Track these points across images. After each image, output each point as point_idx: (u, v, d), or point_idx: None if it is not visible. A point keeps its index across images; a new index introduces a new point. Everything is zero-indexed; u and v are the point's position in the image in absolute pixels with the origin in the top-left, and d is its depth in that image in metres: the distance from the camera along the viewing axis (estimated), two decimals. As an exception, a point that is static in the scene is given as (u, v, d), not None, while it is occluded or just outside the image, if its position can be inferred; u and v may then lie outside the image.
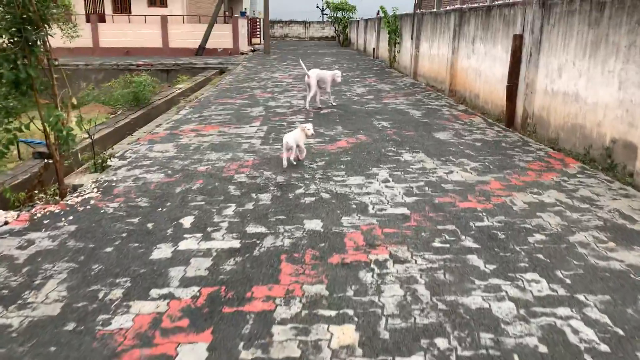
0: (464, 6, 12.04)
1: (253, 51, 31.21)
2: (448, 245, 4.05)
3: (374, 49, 24.45)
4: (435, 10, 14.57)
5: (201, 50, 26.91)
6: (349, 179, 5.79)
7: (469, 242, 4.10)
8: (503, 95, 8.91)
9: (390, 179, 5.78)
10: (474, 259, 3.81)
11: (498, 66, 9.55)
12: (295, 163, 6.37)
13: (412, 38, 16.39)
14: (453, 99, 12.01)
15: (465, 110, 10.53)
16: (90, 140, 6.35)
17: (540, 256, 3.87)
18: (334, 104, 11.04)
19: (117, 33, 27.09)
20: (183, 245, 4.04)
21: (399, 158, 6.73)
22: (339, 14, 40.12)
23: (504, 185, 5.57)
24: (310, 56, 26.92)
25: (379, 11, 24.20)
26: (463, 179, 5.81)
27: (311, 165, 6.35)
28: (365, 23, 28.57)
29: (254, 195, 5.24)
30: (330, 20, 42.36)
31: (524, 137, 8.06)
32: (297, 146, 6.40)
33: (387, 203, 5.01)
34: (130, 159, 6.68)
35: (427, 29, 15.07)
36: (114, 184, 5.65)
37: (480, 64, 10.61)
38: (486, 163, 6.48)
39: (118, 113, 20.87)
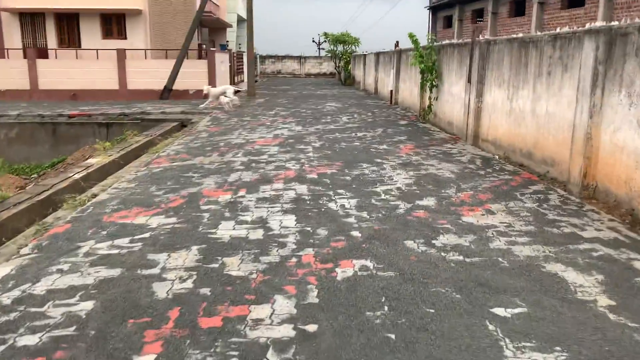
0: (620, 24, 5.96)
1: (237, 92, 25.28)
2: None
3: (391, 91, 18.48)
4: (522, 35, 8.55)
5: (167, 93, 20.91)
6: None
7: None
8: None
9: None
10: None
11: None
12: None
13: (468, 81, 10.34)
14: (594, 205, 5.87)
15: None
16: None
17: None
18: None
19: (61, 72, 21.09)
20: None
21: None
22: (340, 48, 34.48)
23: None
24: (307, 99, 20.92)
25: (397, 43, 18.37)
26: None
27: None
28: (376, 58, 22.72)
29: None
30: (329, 55, 36.74)
31: None
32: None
33: None
34: None
35: (502, 67, 9.03)
36: None
37: None
38: None
39: (30, 187, 14.52)
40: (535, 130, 7.84)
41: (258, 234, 5.08)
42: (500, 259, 4.42)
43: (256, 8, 23.15)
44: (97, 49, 21.49)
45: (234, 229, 5.24)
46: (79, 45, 22.49)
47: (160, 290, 3.85)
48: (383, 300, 3.67)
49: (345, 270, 4.18)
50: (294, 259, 4.42)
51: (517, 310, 3.54)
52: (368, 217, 5.56)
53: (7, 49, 21.73)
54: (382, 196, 6.38)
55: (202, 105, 17.37)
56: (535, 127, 7.82)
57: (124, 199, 6.41)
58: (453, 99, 11.71)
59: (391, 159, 8.67)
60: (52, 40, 22.52)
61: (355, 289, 3.85)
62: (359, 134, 11.58)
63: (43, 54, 22.03)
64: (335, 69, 37.19)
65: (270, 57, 48.75)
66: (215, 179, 7.44)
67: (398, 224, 5.33)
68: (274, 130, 12.27)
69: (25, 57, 21.07)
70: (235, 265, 4.30)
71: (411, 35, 13.38)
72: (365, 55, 26.65)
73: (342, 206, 5.97)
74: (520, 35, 8.58)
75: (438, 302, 3.64)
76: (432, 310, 3.52)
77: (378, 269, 4.21)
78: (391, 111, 16.42)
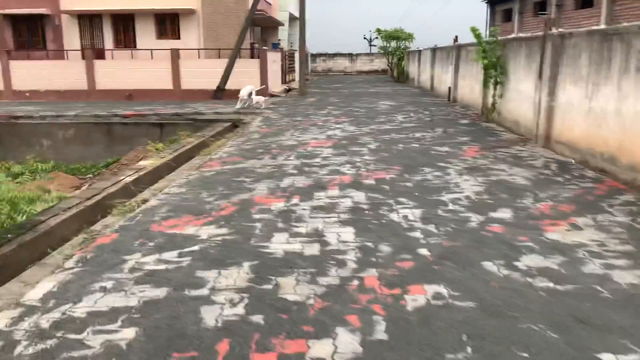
0: None
1: (288, 90, 25.06)
2: None
3: (449, 88, 17.66)
4: (604, 27, 7.71)
5: (219, 93, 20.85)
6: None
7: None
8: None
9: None
10: None
11: None
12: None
13: (539, 77, 9.52)
14: None
15: None
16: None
17: None
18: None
19: (117, 72, 21.45)
20: None
21: None
22: (393, 44, 33.65)
23: None
24: (359, 98, 20.37)
25: (456, 37, 17.53)
26: None
27: None
28: (433, 54, 21.87)
29: None
30: (382, 51, 35.95)
31: None
32: None
33: None
34: None
35: (579, 63, 8.20)
36: None
37: None
38: None
39: (84, 187, 14.68)
40: (620, 132, 7.01)
41: (314, 249, 4.61)
42: (598, 288, 3.77)
43: (307, 6, 22.77)
44: (151, 49, 21.72)
45: (287, 242, 4.80)
46: (135, 46, 22.81)
47: (209, 316, 3.45)
48: (464, 339, 3.12)
49: (415, 298, 3.65)
50: (355, 282, 3.92)
51: (631, 358, 2.91)
52: (436, 231, 5.00)
53: (67, 50, 22.29)
54: (450, 206, 5.79)
55: (237, 106, 17.10)
56: (620, 128, 6.99)
57: (174, 206, 6.11)
58: (520, 96, 10.88)
59: (455, 163, 8.02)
60: (108, 41, 22.95)
61: (429, 323, 3.32)
62: (417, 135, 10.95)
63: (100, 54, 22.49)
64: (388, 65, 36.40)
65: (321, 55, 48.39)
66: (267, 184, 7.04)
67: (472, 240, 4.74)
68: (326, 131, 11.81)
69: (83, 58, 21.56)
70: (290, 287, 3.85)
71: (473, 29, 12.58)
72: (420, 51, 25.80)
73: (405, 217, 5.42)
74: (602, 26, 7.73)
75: (532, 343, 3.05)
76: (526, 355, 2.94)
77: (454, 297, 3.65)
78: (450, 109, 15.63)
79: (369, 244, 4.71)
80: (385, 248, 4.58)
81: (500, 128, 11.69)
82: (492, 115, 12.51)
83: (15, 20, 22.90)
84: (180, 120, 15.75)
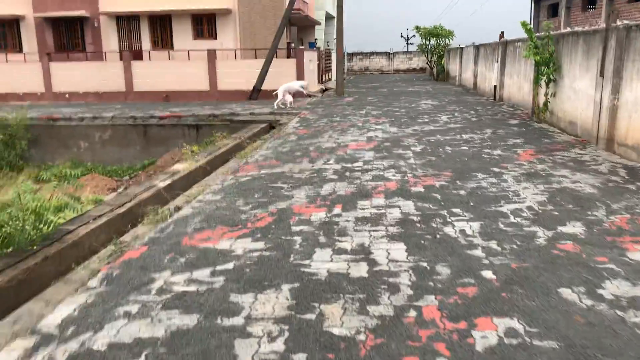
0: None
1: (324, 90, 24.58)
2: None
3: (495, 87, 16.81)
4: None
5: (256, 93, 20.55)
6: None
7: None
8: None
9: None
10: None
11: None
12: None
13: (600, 74, 8.73)
14: None
15: None
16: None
17: None
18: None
19: (154, 73, 21.43)
20: None
21: None
22: (432, 41, 32.72)
23: None
24: (398, 97, 19.71)
25: (502, 33, 16.70)
26: None
27: None
28: (476, 51, 20.98)
29: None
30: (420, 49, 35.04)
31: None
32: None
33: None
34: None
35: (650, 57, 7.41)
36: None
37: None
38: None
39: (120, 190, 14.67)
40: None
41: (361, 269, 4.10)
42: None
43: (344, 4, 22.21)
44: (188, 50, 21.60)
45: (331, 260, 4.30)
46: (172, 47, 22.74)
47: (244, 354, 2.98)
48: (554, 394, 2.55)
49: (485, 335, 3.09)
50: (412, 312, 3.39)
51: None
52: (499, 249, 4.40)
53: (105, 51, 22.41)
54: (511, 219, 5.17)
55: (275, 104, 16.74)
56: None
57: (208, 215, 5.70)
58: (576, 95, 10.08)
59: (511, 168, 7.36)
60: (146, 42, 22.95)
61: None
62: (465, 136, 10.28)
63: (138, 56, 22.51)
64: (427, 63, 35.47)
65: (357, 54, 47.71)
66: (306, 190, 6.57)
67: (542, 261, 4.13)
68: (366, 132, 11.26)
69: (121, 59, 21.62)
70: (336, 318, 3.35)
71: (524, 24, 11.79)
72: (462, 48, 24.88)
73: (463, 232, 4.84)
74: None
75: None
76: None
77: (532, 334, 3.08)
78: (497, 109, 14.82)
79: (424, 264, 4.16)
80: (443, 270, 4.03)
81: (553, 129, 10.89)
82: (544, 115, 11.69)
83: (55, 23, 23.17)
84: (217, 121, 15.48)
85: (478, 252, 4.35)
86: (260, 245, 4.69)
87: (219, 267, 4.23)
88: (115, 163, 15.38)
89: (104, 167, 15.16)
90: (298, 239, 4.82)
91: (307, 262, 4.27)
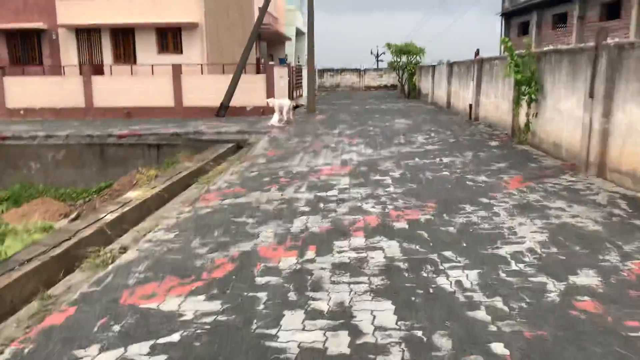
0: None
1: (295, 107, 23.83)
2: None
3: (470, 105, 16.33)
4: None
5: (223, 110, 19.64)
6: None
7: None
8: None
9: None
10: None
11: None
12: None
13: (590, 95, 8.18)
14: None
15: None
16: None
17: None
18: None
19: (116, 88, 20.31)
20: None
21: None
22: (403, 59, 32.41)
23: None
24: (372, 115, 19.08)
25: (477, 51, 16.29)
26: None
27: None
28: (449, 69, 20.58)
29: None
30: (391, 66, 34.71)
31: None
32: None
33: None
34: None
35: (646, 77, 6.87)
36: None
37: None
38: None
39: (73, 215, 13.54)
40: None
41: (342, 341, 3.27)
42: None
43: (314, 21, 21.53)
44: (152, 65, 20.59)
45: (303, 328, 3.46)
46: (135, 61, 21.68)
47: None
48: None
49: None
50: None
51: None
52: (506, 309, 3.64)
53: (64, 66, 21.21)
54: (513, 265, 4.43)
55: (272, 121, 16.06)
56: None
57: (157, 260, 4.80)
58: (561, 116, 9.55)
59: (501, 198, 6.67)
60: (107, 56, 21.83)
61: None
62: (445, 160, 9.62)
63: (99, 70, 21.38)
64: (398, 80, 35.16)
65: (328, 70, 47.26)
66: (274, 227, 5.73)
67: (561, 327, 3.38)
68: (340, 155, 10.51)
69: (81, 74, 20.46)
70: None
71: (504, 41, 11.31)
72: (434, 66, 24.54)
73: (459, 284, 4.07)
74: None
75: None
76: None
77: None
78: (474, 128, 14.28)
79: (418, 332, 3.36)
80: (442, 342, 3.23)
81: (537, 151, 10.33)
82: (525, 137, 11.16)
83: (9, 35, 21.87)
84: (179, 141, 14.53)
85: (482, 314, 3.58)
86: (215, 305, 3.82)
87: (161, 340, 3.34)
88: (69, 185, 14.23)
89: (56, 190, 13.99)
90: (263, 295, 3.97)
91: (273, 331, 3.42)
